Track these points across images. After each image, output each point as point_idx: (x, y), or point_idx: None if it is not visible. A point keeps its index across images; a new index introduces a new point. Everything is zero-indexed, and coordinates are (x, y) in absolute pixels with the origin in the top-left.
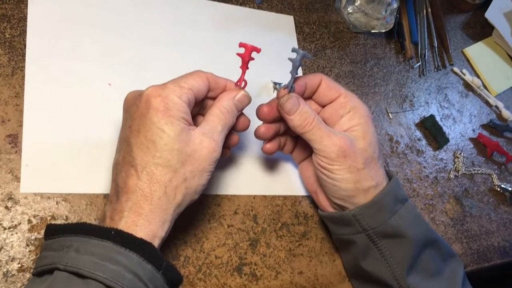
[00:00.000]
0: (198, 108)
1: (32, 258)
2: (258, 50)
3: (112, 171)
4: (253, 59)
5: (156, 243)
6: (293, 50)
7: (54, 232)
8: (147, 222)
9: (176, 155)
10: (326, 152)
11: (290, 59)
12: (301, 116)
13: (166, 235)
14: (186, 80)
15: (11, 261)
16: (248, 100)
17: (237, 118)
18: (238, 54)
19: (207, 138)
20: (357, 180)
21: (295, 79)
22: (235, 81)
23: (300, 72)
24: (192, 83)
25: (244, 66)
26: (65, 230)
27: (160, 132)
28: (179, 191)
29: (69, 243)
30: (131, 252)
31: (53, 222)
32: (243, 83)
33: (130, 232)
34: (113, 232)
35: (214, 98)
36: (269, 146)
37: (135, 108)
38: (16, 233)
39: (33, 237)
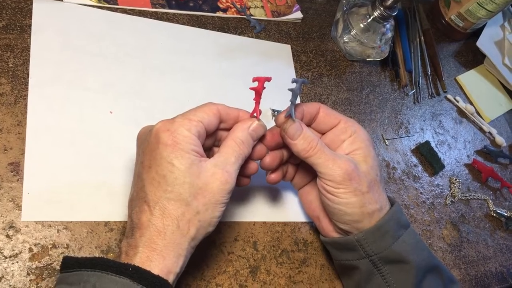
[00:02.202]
0: (213, 140)
1: None
2: (269, 79)
3: (128, 207)
4: (265, 88)
5: (171, 279)
6: (293, 81)
7: (71, 265)
8: (161, 257)
9: (188, 188)
10: (332, 176)
11: (290, 89)
12: (305, 140)
13: (182, 270)
14: (196, 113)
15: None
16: (264, 129)
17: (253, 147)
18: (252, 88)
19: (219, 169)
20: (362, 204)
21: (294, 106)
22: (245, 109)
23: (298, 101)
24: (201, 116)
25: (258, 97)
26: (82, 264)
27: (170, 166)
28: (192, 224)
29: (86, 278)
30: None
31: (69, 254)
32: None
33: (145, 267)
34: (130, 269)
35: (228, 129)
36: (274, 176)
37: (146, 143)
38: (17, 262)
39: (34, 266)
